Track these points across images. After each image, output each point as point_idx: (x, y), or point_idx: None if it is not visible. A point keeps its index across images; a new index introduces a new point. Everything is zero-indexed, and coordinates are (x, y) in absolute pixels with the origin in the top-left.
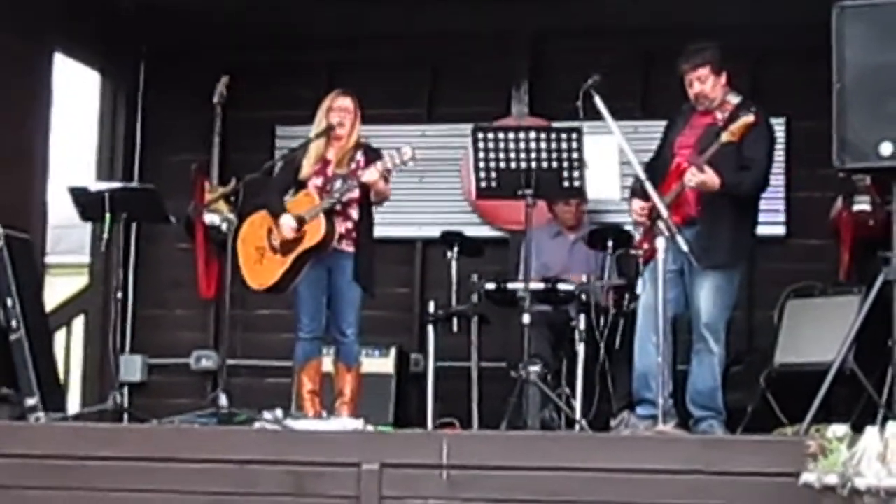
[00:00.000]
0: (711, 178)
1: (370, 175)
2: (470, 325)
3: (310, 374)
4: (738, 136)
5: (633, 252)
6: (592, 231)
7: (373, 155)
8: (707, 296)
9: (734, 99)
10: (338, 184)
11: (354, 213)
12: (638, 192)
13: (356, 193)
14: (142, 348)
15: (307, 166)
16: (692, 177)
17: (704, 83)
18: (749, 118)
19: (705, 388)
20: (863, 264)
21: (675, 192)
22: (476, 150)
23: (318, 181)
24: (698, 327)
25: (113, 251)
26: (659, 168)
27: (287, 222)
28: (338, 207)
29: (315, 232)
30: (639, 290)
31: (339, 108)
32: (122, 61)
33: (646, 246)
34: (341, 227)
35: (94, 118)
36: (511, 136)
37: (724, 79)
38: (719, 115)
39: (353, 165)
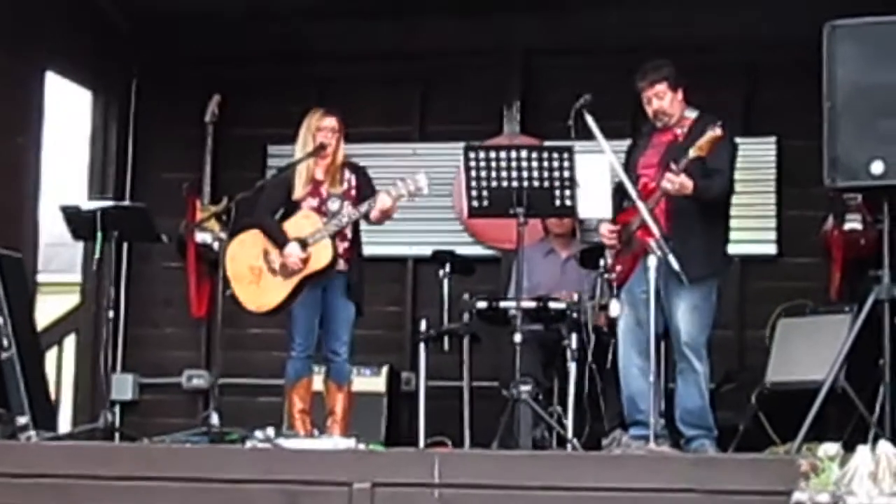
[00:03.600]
0: (687, 181)
1: (383, 201)
2: (461, 344)
3: (301, 392)
4: (707, 150)
5: (605, 276)
6: (584, 250)
7: (362, 174)
8: (684, 316)
9: (691, 114)
10: (335, 205)
11: (350, 233)
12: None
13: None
14: (133, 367)
15: (300, 187)
16: (669, 183)
17: (662, 99)
18: (717, 133)
19: (694, 407)
20: (854, 283)
21: (649, 207)
22: (468, 168)
23: (314, 202)
24: (679, 347)
25: (104, 270)
26: (625, 191)
27: (294, 252)
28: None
29: (321, 256)
30: (612, 312)
31: (327, 127)
32: (114, 79)
33: (619, 268)
34: (339, 247)
35: (86, 136)
36: (503, 155)
37: (680, 95)
38: (679, 132)
39: (346, 185)
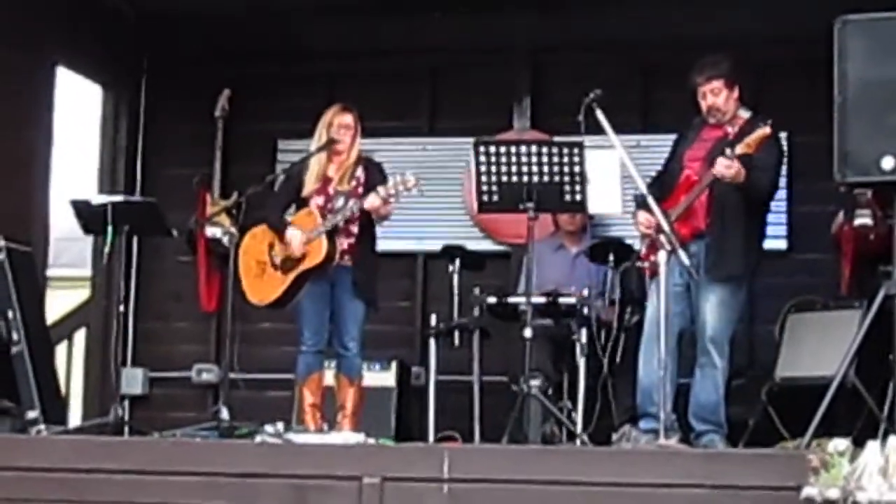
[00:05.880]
0: (740, 169)
1: (372, 201)
2: (471, 339)
3: (311, 387)
4: (754, 147)
5: (638, 265)
6: (594, 245)
7: (374, 170)
8: (712, 310)
9: (745, 113)
10: (339, 202)
11: (355, 228)
12: (643, 204)
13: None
14: (143, 361)
15: (309, 184)
16: (725, 168)
17: (717, 96)
18: (765, 130)
19: (708, 402)
20: (864, 278)
21: (691, 198)
22: (477, 163)
23: (320, 200)
24: (703, 341)
25: (114, 264)
26: (666, 181)
27: (295, 237)
28: (340, 225)
29: (316, 252)
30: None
31: (340, 124)
32: (124, 74)
33: (652, 258)
34: (343, 243)
35: (96, 131)
36: (513, 150)
37: (736, 93)
38: (730, 129)
39: (355, 183)
